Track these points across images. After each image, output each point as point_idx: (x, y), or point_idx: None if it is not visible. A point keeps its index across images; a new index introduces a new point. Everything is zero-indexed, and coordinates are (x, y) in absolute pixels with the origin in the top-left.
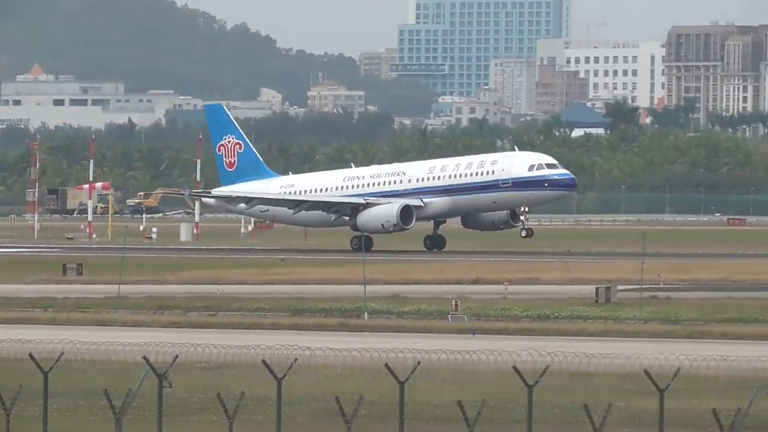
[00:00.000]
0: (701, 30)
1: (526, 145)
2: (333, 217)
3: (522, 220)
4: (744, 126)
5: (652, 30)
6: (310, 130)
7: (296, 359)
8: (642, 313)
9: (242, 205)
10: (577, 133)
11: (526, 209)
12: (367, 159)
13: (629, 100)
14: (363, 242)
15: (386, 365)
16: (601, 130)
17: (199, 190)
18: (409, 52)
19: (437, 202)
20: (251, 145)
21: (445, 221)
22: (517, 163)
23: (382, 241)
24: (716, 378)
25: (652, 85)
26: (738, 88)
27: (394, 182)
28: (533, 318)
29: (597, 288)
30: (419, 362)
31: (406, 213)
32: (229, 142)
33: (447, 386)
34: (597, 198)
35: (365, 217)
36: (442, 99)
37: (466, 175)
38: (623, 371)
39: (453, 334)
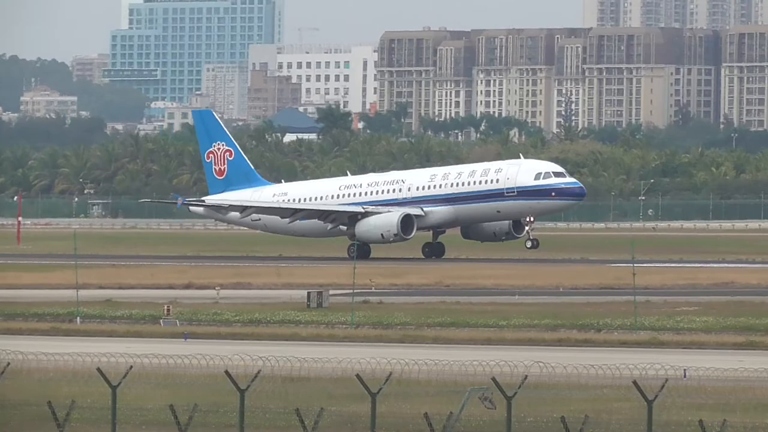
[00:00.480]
0: (414, 35)
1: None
2: (329, 226)
3: (527, 231)
4: (456, 131)
5: (364, 35)
6: (23, 135)
7: (9, 363)
8: (354, 318)
9: (234, 214)
10: (290, 138)
11: (532, 219)
12: (79, 164)
13: (341, 105)
14: (359, 251)
15: (98, 369)
16: (313, 135)
17: (193, 199)
18: (122, 57)
19: (438, 212)
20: (242, 152)
21: (444, 231)
22: (522, 171)
23: (381, 248)
24: (428, 382)
25: (365, 90)
26: (450, 93)
27: (393, 190)
28: (245, 322)
29: (309, 293)
30: (131, 366)
31: (406, 222)
32: (218, 149)
33: (159, 390)
34: None
35: (364, 227)
36: (155, 104)
37: (468, 184)
38: (335, 375)
39: (165, 339)
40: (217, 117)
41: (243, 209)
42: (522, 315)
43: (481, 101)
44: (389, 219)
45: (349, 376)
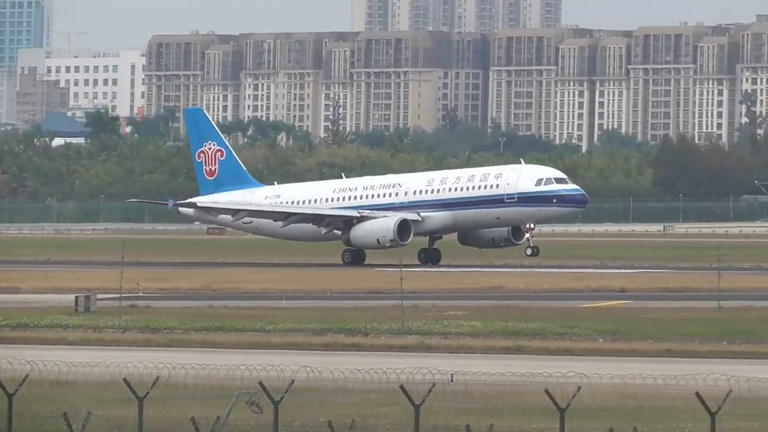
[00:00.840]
0: (182, 39)
1: (6, 155)
2: (324, 230)
3: (527, 238)
4: (225, 135)
5: (133, 39)
6: None
7: None
8: (121, 322)
9: (225, 216)
10: (58, 142)
11: (532, 226)
12: None
13: (110, 110)
14: (353, 256)
15: None
16: (81, 140)
17: (184, 201)
18: None
19: (436, 217)
20: (234, 152)
21: (441, 237)
22: (523, 177)
23: (375, 254)
24: (195, 386)
25: (133, 94)
26: (218, 97)
27: (389, 194)
28: (13, 327)
29: (76, 297)
30: None
31: (403, 228)
32: (209, 148)
33: None
34: (77, 207)
35: (359, 232)
36: None
37: (467, 189)
38: (103, 380)
39: None
40: (208, 116)
41: (235, 212)
42: (289, 319)
43: (249, 105)
44: (385, 224)
45: (117, 380)
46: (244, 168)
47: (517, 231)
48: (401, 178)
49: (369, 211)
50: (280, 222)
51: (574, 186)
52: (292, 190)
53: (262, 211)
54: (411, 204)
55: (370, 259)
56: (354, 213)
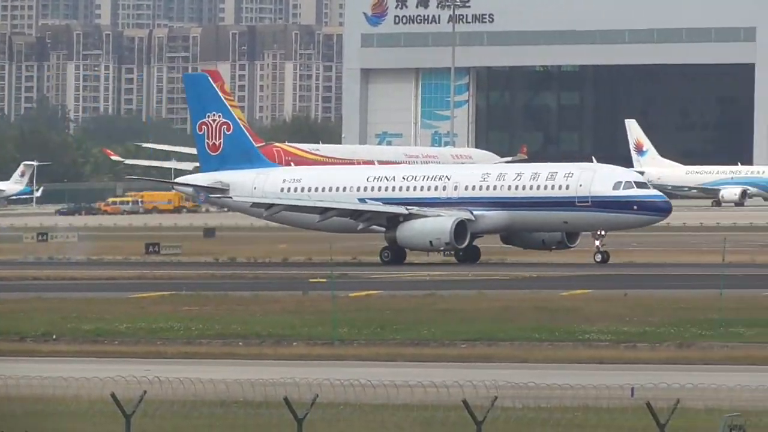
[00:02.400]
0: None
1: None
2: (360, 225)
3: (597, 245)
4: None
5: None
6: None
7: None
8: None
9: (240, 199)
10: None
11: (603, 233)
12: None
13: None
14: (393, 255)
15: None
16: None
17: (193, 183)
18: None
19: (490, 217)
20: (243, 126)
21: (482, 234)
22: (598, 179)
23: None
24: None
25: None
26: None
27: (436, 188)
28: None
29: None
30: None
31: (460, 229)
32: (213, 120)
33: None
34: None
35: (409, 231)
36: None
37: (531, 188)
38: None
39: None
40: (213, 84)
41: (269, 206)
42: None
43: None
44: (441, 225)
45: None
46: (254, 144)
47: (572, 233)
48: (449, 170)
49: (418, 209)
50: (317, 216)
51: (657, 192)
52: (315, 174)
53: (301, 206)
54: (461, 201)
55: (410, 258)
56: (401, 210)
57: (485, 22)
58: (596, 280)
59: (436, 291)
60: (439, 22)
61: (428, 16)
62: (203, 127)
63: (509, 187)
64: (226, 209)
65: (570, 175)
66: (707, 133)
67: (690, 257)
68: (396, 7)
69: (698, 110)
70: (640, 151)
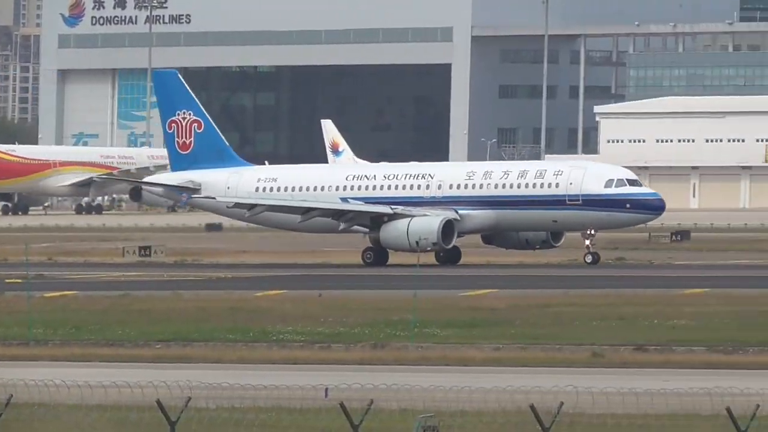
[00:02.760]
0: None
1: None
2: (342, 225)
3: (587, 244)
4: None
5: None
6: None
7: None
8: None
9: (214, 200)
10: None
11: (593, 232)
12: None
13: None
14: (376, 256)
15: None
16: None
17: (159, 182)
18: None
19: (476, 216)
20: (214, 124)
21: (464, 235)
22: (589, 176)
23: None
24: None
25: None
26: None
27: (419, 186)
28: None
29: None
30: None
31: (448, 229)
32: (183, 118)
33: None
34: None
35: (393, 232)
36: None
37: (519, 186)
38: None
39: None
40: (183, 80)
41: (251, 207)
42: None
43: None
44: (428, 224)
45: None
46: (227, 143)
47: (556, 233)
48: (431, 167)
49: (403, 208)
50: (298, 216)
51: (650, 190)
52: (291, 173)
53: (282, 206)
54: (445, 200)
55: (392, 259)
56: (386, 209)
57: (182, 22)
58: (289, 281)
59: (131, 291)
60: (136, 23)
61: (125, 17)
62: (173, 125)
63: (496, 186)
64: (188, 209)
65: (560, 173)
66: (404, 133)
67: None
68: (93, 8)
69: (396, 110)
70: (336, 151)
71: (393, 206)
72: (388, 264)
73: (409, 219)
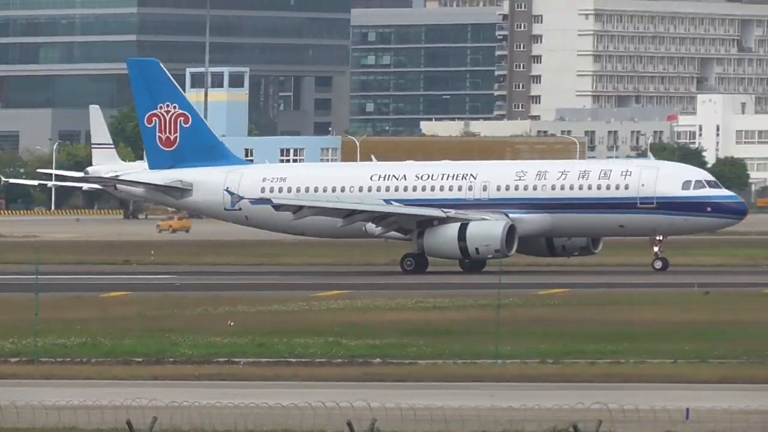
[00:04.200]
0: None
1: None
2: (378, 230)
3: (656, 251)
4: None
5: None
6: None
7: None
8: None
9: (206, 197)
10: None
11: (661, 237)
12: None
13: None
14: (417, 263)
15: None
16: None
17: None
18: None
19: (530, 220)
20: (203, 118)
21: None
22: (664, 177)
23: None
24: None
25: None
26: None
27: (460, 188)
28: None
29: None
30: None
31: (511, 235)
32: (166, 111)
33: None
34: None
35: (441, 237)
36: None
37: (580, 188)
38: None
39: None
40: (165, 69)
41: (298, 209)
42: None
43: None
44: (490, 229)
45: None
46: (218, 138)
47: (596, 238)
48: (475, 167)
49: (455, 211)
50: (290, 214)
51: (729, 192)
52: (303, 172)
53: (336, 208)
54: (492, 202)
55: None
56: (437, 212)
57: None
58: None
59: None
60: None
61: None
62: (153, 119)
63: (553, 187)
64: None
65: (628, 173)
66: None
67: None
68: None
69: None
70: None
71: (445, 210)
72: (427, 271)
73: (459, 224)
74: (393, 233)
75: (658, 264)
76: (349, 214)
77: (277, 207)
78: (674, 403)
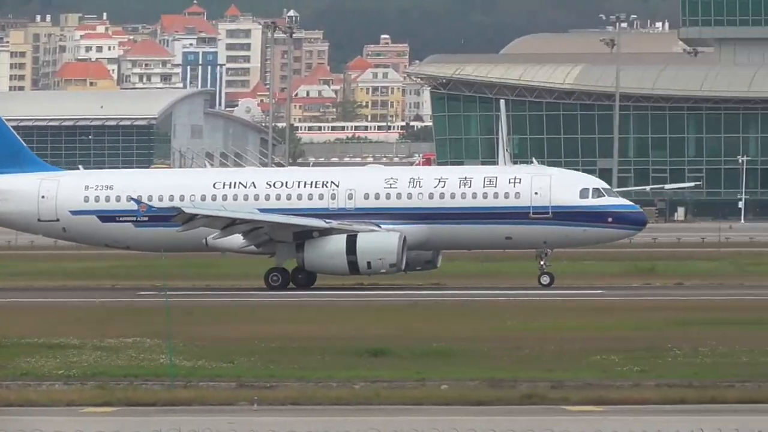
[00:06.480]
0: None
1: None
2: (243, 243)
3: (542, 265)
4: None
5: None
6: None
7: None
8: None
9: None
10: None
11: (549, 251)
12: None
13: None
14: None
15: None
16: None
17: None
18: None
19: (407, 232)
20: (5, 122)
21: None
22: (559, 185)
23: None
24: None
25: None
26: None
27: (320, 196)
28: None
29: None
30: None
31: (404, 248)
32: None
33: None
34: None
35: (324, 251)
36: None
37: (462, 196)
38: None
39: None
40: None
41: (188, 219)
42: None
43: None
44: (385, 241)
45: None
46: (24, 144)
47: (437, 252)
48: (336, 174)
49: (339, 222)
50: (219, 231)
51: (627, 201)
52: (133, 178)
53: (224, 218)
54: (359, 211)
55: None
56: (319, 222)
57: None
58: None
59: None
60: None
61: None
62: None
63: (431, 195)
64: None
65: (518, 180)
66: None
67: None
68: None
69: None
70: None
71: (328, 221)
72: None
73: (345, 235)
74: (251, 248)
75: (545, 279)
76: (228, 225)
77: (190, 218)
78: None
